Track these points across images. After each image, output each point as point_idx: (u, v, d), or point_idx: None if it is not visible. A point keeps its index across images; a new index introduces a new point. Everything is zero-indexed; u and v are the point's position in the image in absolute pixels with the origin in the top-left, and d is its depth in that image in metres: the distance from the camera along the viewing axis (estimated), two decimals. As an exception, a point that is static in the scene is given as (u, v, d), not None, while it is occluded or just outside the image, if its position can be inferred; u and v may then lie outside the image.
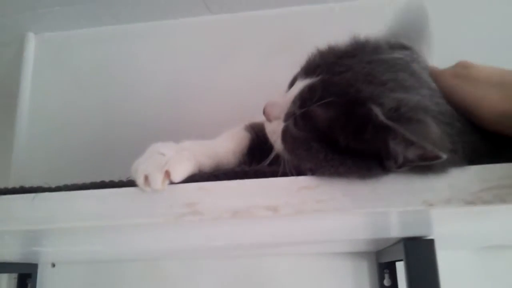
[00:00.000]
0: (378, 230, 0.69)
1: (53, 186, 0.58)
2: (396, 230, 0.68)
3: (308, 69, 0.57)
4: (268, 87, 1.06)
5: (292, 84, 0.61)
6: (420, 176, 0.48)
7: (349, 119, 0.49)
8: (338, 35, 1.05)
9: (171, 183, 0.53)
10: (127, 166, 0.55)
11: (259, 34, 1.17)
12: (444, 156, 0.43)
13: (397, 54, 0.54)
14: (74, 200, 0.55)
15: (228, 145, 0.63)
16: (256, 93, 1.04)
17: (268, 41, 1.15)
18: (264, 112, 0.61)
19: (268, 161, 0.58)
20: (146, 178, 0.52)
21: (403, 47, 0.56)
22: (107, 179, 0.58)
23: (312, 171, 0.51)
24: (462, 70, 0.52)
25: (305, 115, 0.53)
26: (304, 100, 0.53)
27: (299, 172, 0.52)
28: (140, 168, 0.52)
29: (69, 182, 0.58)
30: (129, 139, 1.14)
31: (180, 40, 1.22)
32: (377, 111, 0.47)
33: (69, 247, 0.75)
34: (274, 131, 0.59)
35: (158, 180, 0.52)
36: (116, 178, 0.57)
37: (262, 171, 0.53)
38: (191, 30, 1.22)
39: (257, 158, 0.64)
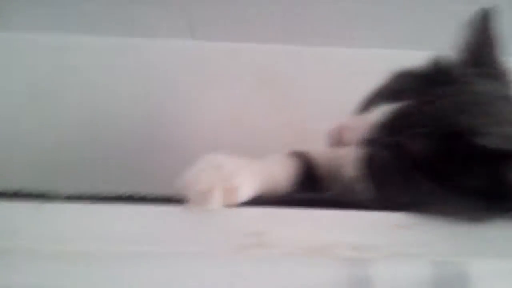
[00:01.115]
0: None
1: (63, 193, 0.45)
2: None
3: (393, 93, 0.51)
4: (246, 123, 1.02)
5: (365, 107, 0.54)
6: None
7: (452, 150, 0.43)
8: (316, 78, 1.07)
9: (229, 205, 0.42)
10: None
11: (242, 67, 1.07)
12: None
13: (490, 85, 0.50)
14: (92, 215, 0.42)
15: (281, 168, 0.54)
16: (234, 129, 0.99)
17: (251, 76, 1.06)
18: (335, 135, 0.53)
19: (338, 191, 0.50)
20: (202, 194, 0.41)
21: (491, 74, 0.52)
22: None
23: (408, 207, 0.43)
24: None
25: (399, 143, 0.46)
26: (393, 126, 0.47)
27: (384, 207, 0.44)
28: (195, 181, 0.41)
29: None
30: (84, 153, 0.99)
31: (156, 60, 1.08)
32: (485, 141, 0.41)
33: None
34: (345, 157, 0.52)
35: (218, 197, 0.41)
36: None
37: (346, 201, 0.44)
38: (170, 52, 1.08)
39: (306, 188, 0.55)
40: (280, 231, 0.42)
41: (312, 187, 0.55)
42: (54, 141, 0.99)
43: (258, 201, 0.44)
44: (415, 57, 0.54)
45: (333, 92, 1.01)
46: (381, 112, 0.49)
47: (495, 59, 0.52)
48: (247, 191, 0.43)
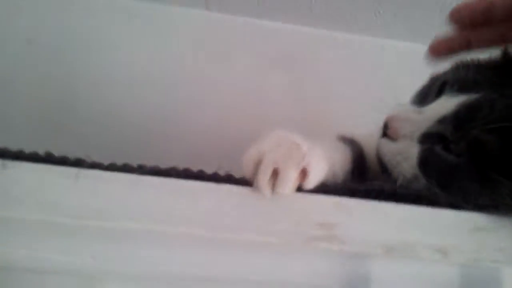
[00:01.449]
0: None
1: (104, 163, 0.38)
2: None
3: (461, 84, 0.46)
4: (261, 101, 0.96)
5: (422, 98, 0.50)
6: None
7: None
8: (337, 65, 1.02)
9: (298, 189, 0.37)
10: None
11: (257, 44, 1.00)
12: None
13: None
14: (145, 190, 0.36)
15: (338, 155, 0.49)
16: (248, 106, 0.93)
17: (266, 53, 0.99)
18: (387, 128, 0.48)
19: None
20: (275, 174, 0.36)
21: None
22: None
23: (490, 208, 0.39)
24: None
25: (469, 139, 0.41)
26: (463, 121, 0.43)
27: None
28: (268, 159, 0.36)
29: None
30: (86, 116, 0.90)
31: (169, 28, 0.98)
32: None
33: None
34: (401, 152, 0.47)
35: (293, 179, 0.36)
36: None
37: (420, 195, 0.40)
38: (183, 20, 0.98)
39: (356, 177, 0.50)
40: (354, 225, 0.37)
41: (364, 176, 0.51)
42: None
43: (323, 188, 0.39)
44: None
45: (351, 82, 0.97)
46: (449, 103, 0.45)
47: None
48: (319, 176, 0.38)
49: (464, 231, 0.38)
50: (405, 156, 0.46)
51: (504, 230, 0.38)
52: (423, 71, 0.55)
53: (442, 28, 0.93)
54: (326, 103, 0.94)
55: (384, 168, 0.49)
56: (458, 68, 0.50)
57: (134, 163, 0.40)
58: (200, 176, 0.38)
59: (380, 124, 0.51)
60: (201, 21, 0.96)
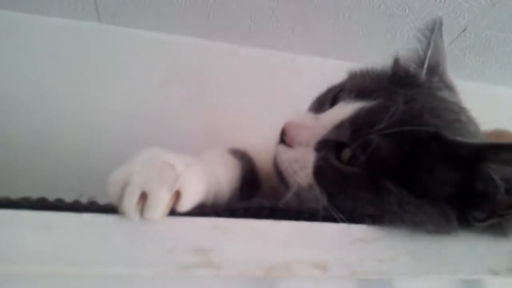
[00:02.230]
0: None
1: None
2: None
3: (359, 91, 0.46)
4: (154, 119, 0.91)
5: (319, 106, 0.50)
6: (484, 239, 0.41)
7: (428, 152, 0.40)
8: (239, 79, 1.00)
9: (172, 213, 0.34)
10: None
11: (153, 57, 0.94)
12: None
13: (449, 94, 0.49)
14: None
15: (225, 170, 0.46)
16: (139, 123, 0.85)
17: (163, 66, 0.94)
18: (284, 134, 0.47)
19: (285, 200, 0.43)
20: (142, 197, 0.32)
21: (446, 85, 0.51)
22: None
23: (376, 218, 0.39)
24: (501, 134, 0.48)
25: (364, 146, 0.41)
26: (359, 126, 0.42)
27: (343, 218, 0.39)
28: (135, 181, 0.32)
29: None
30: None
31: (56, 41, 0.89)
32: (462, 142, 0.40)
33: None
34: (297, 159, 0.46)
35: (164, 203, 0.33)
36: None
37: (299, 211, 0.39)
38: (75, 34, 0.90)
39: (246, 194, 0.48)
40: (231, 247, 0.35)
41: (254, 193, 0.49)
42: None
43: (201, 209, 0.37)
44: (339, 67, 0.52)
45: (248, 92, 0.96)
46: (346, 109, 0.45)
47: (444, 70, 0.52)
48: (195, 197, 0.35)
49: (344, 244, 0.38)
50: (301, 165, 0.45)
51: (383, 241, 0.39)
52: (323, 83, 0.55)
53: (339, 41, 0.96)
54: (226, 115, 0.92)
55: (281, 177, 0.48)
56: (355, 76, 0.51)
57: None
58: (57, 206, 0.33)
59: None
60: (92, 34, 0.90)
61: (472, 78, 1.12)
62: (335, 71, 0.53)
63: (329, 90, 0.51)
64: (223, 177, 0.44)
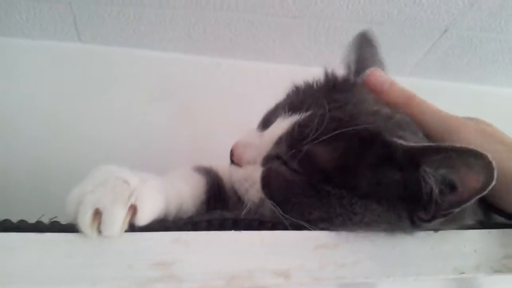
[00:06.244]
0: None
1: None
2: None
3: (293, 105, 0.48)
4: (140, 136, 0.89)
5: (266, 123, 0.51)
6: (447, 239, 0.41)
7: (367, 152, 0.41)
8: (223, 91, 1.01)
9: (130, 228, 0.35)
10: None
11: (137, 74, 0.95)
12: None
13: None
14: None
15: (187, 185, 0.47)
16: (124, 141, 0.86)
17: (147, 83, 0.95)
18: (232, 155, 0.49)
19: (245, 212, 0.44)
20: (97, 215, 0.33)
21: None
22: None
23: (325, 222, 0.40)
24: (486, 127, 0.48)
25: (302, 154, 0.43)
26: (295, 138, 0.44)
27: (297, 226, 0.40)
28: (88, 199, 0.33)
29: None
30: None
31: (37, 63, 0.91)
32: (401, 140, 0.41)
33: None
34: (247, 178, 0.47)
35: (119, 219, 0.33)
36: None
37: (260, 220, 0.39)
38: (56, 54, 0.92)
39: (213, 208, 0.49)
40: (192, 259, 0.36)
41: (220, 207, 0.50)
42: None
43: (163, 224, 0.38)
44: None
45: (238, 106, 0.97)
46: (283, 124, 0.46)
47: None
48: (152, 212, 0.36)
49: (306, 251, 0.38)
50: (250, 182, 0.47)
51: (345, 246, 0.39)
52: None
53: (321, 49, 0.97)
54: (211, 129, 0.93)
55: (238, 196, 0.49)
56: (292, 91, 0.52)
57: None
58: (20, 227, 0.34)
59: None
60: (74, 54, 0.91)
61: (457, 78, 1.13)
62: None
63: (276, 107, 0.52)
64: (185, 191, 0.46)
